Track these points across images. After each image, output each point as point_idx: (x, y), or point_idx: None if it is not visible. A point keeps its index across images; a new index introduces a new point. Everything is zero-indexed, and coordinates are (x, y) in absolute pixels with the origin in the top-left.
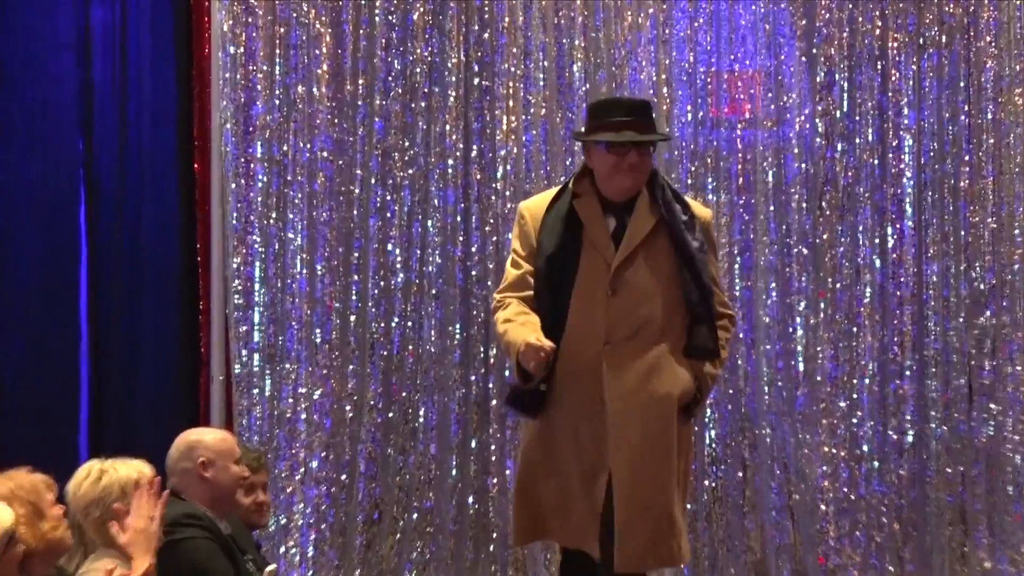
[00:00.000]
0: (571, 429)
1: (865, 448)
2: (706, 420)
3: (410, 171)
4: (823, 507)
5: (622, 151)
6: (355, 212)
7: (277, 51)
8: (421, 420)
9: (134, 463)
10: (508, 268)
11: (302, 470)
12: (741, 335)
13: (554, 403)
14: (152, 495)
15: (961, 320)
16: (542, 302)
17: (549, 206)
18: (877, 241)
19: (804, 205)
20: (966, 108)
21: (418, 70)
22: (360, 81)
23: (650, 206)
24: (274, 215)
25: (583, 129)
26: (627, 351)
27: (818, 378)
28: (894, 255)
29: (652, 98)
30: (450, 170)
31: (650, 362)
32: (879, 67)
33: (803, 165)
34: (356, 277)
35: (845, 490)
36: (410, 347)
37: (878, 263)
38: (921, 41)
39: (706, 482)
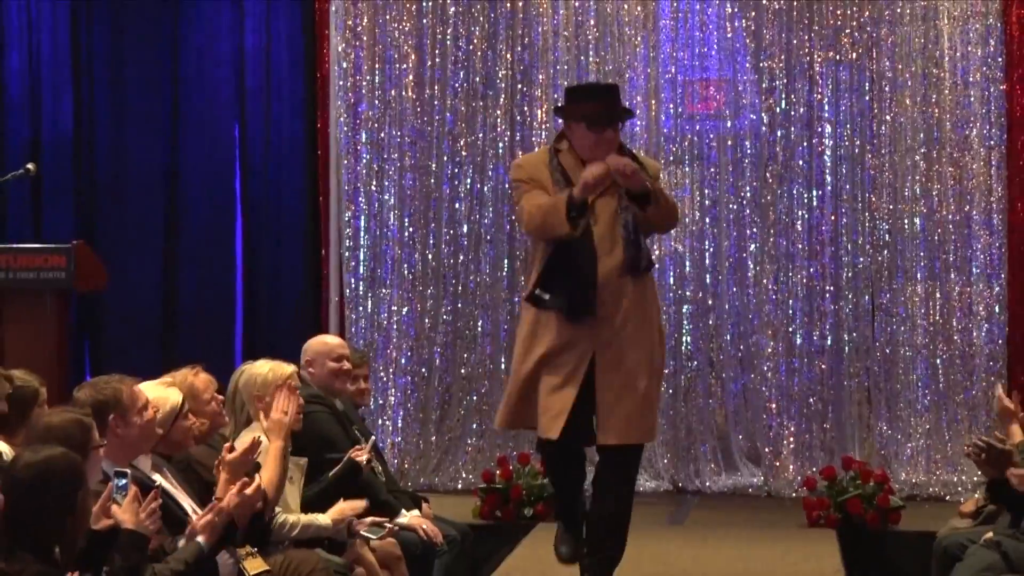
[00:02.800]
0: (567, 326)
1: (797, 349)
2: (683, 329)
3: (472, 151)
4: (767, 391)
5: (600, 130)
6: (432, 180)
7: (376, 65)
8: (479, 329)
9: (283, 366)
10: (520, 193)
11: (394, 365)
12: (709, 269)
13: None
14: (286, 394)
15: (867, 257)
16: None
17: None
18: (806, 201)
19: (753, 175)
20: (871, 106)
21: (477, 79)
22: (435, 87)
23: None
24: (374, 183)
25: (561, 105)
26: (611, 261)
27: (763, 297)
28: (818, 211)
29: (645, 98)
30: (500, 150)
31: (627, 265)
32: (808, 76)
33: (753, 147)
34: (432, 227)
35: (783, 379)
36: (471, 277)
37: (807, 216)
38: (838, 57)
39: (684, 374)
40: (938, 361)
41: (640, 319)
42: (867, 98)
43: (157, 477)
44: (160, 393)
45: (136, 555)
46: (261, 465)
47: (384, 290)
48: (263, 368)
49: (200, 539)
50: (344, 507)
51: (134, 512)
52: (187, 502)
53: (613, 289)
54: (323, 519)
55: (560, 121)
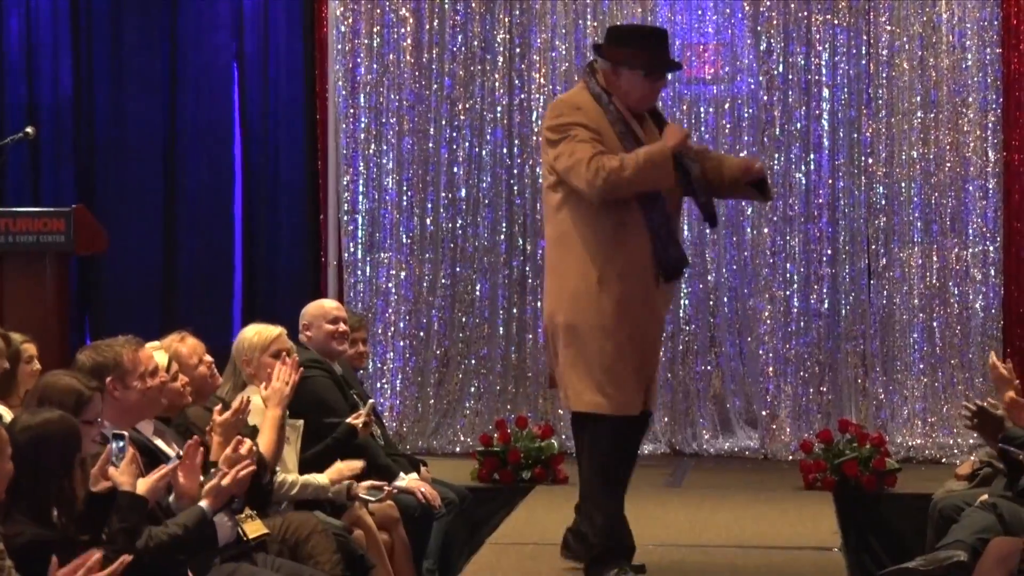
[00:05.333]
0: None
1: (794, 312)
2: (681, 292)
3: (470, 115)
4: (763, 354)
5: (656, 78)
6: (430, 144)
7: (374, 29)
8: (477, 293)
9: (270, 329)
10: (583, 143)
11: (392, 329)
12: (706, 232)
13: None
14: (288, 365)
15: (863, 221)
16: None
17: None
18: (803, 165)
19: (751, 139)
20: (868, 69)
21: (475, 43)
22: (434, 51)
23: (649, 116)
24: (372, 147)
25: (612, 47)
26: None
27: (759, 262)
28: (815, 175)
29: None
30: (498, 114)
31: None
32: (806, 40)
33: (750, 111)
34: (431, 191)
35: (780, 342)
36: (469, 241)
37: (804, 180)
38: (836, 21)
39: (681, 338)
40: (934, 324)
41: None
42: (864, 62)
43: (159, 442)
44: None
45: (133, 517)
46: (258, 429)
47: (382, 254)
48: (250, 332)
49: (203, 503)
50: (342, 467)
51: (131, 474)
52: None
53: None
54: (321, 479)
55: (597, 62)
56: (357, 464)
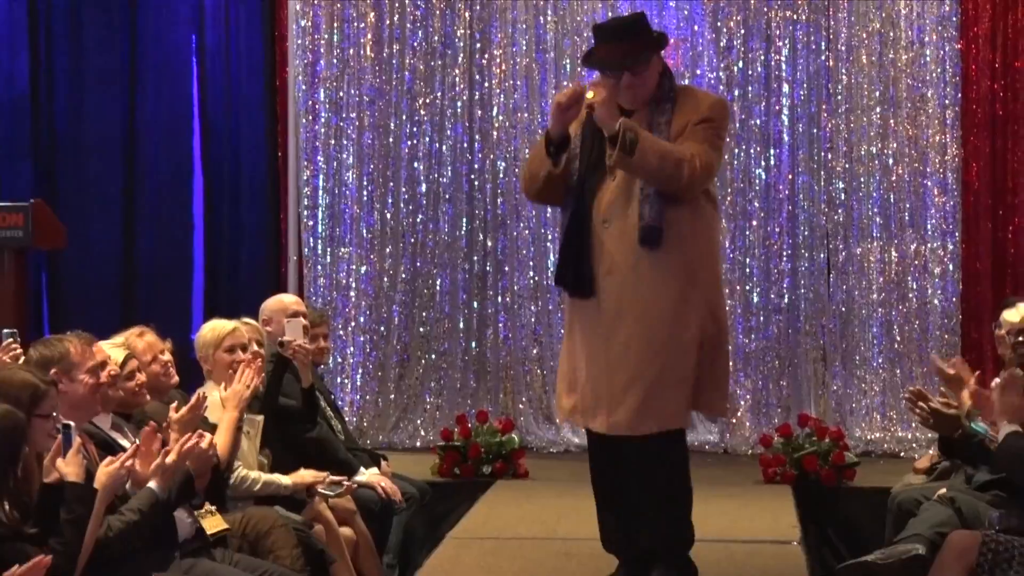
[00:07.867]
0: None
1: (754, 307)
2: None
3: (430, 110)
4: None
5: (616, 76)
6: (390, 139)
7: (335, 24)
8: (437, 288)
9: (224, 324)
10: None
11: (352, 324)
12: None
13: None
14: (250, 367)
15: (822, 216)
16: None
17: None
18: (763, 160)
19: None
20: (827, 64)
21: (436, 38)
22: (395, 46)
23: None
24: (333, 142)
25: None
26: (620, 231)
27: (720, 256)
28: (775, 170)
29: None
30: (459, 109)
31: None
32: (766, 36)
33: None
34: (391, 185)
35: (740, 337)
36: (430, 236)
37: (764, 175)
38: (795, 17)
39: None
40: (893, 319)
41: (650, 296)
42: (823, 57)
43: (116, 435)
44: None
45: (80, 508)
46: (215, 426)
47: (343, 249)
48: (205, 328)
49: (152, 484)
50: (305, 475)
51: (77, 464)
52: None
53: (621, 262)
54: (284, 480)
55: None
56: (322, 474)
